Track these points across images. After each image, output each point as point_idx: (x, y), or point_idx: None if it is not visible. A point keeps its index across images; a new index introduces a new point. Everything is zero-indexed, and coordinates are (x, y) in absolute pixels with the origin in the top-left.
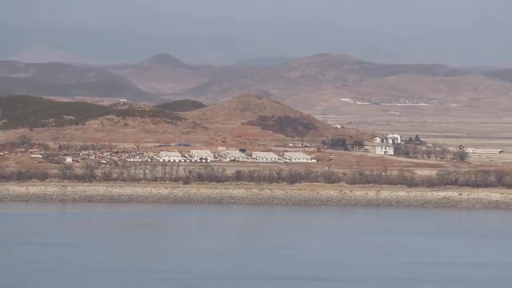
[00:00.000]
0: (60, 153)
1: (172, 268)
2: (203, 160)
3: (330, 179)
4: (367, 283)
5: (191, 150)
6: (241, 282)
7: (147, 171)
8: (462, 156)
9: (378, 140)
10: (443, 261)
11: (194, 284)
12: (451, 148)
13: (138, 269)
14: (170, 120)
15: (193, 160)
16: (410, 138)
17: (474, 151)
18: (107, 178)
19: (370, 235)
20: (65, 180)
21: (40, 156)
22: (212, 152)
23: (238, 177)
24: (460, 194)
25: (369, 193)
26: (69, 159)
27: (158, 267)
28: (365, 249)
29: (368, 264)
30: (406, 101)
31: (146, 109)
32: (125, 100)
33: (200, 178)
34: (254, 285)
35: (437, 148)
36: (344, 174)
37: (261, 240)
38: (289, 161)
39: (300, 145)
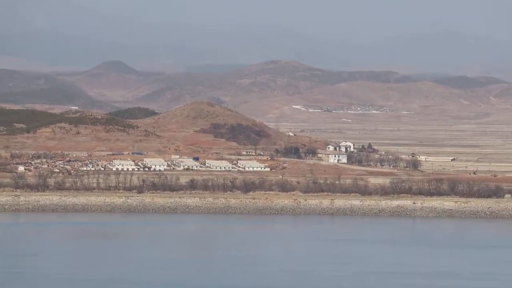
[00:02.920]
0: (12, 161)
1: (132, 278)
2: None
3: (284, 187)
4: None
5: (144, 159)
6: None
7: (100, 180)
8: (415, 164)
9: (331, 148)
10: (402, 270)
11: None
12: (403, 156)
13: (97, 278)
14: (122, 128)
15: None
16: (363, 146)
17: (427, 159)
18: (60, 187)
19: (327, 244)
20: (17, 190)
21: None
22: (165, 161)
23: (192, 186)
24: (414, 203)
25: (324, 202)
26: (21, 168)
27: (117, 276)
28: (323, 258)
29: (328, 273)
30: (358, 108)
31: (98, 117)
32: (76, 107)
33: (154, 187)
34: None
35: (390, 156)
36: (298, 182)
37: (219, 250)
38: (242, 169)
39: (253, 153)
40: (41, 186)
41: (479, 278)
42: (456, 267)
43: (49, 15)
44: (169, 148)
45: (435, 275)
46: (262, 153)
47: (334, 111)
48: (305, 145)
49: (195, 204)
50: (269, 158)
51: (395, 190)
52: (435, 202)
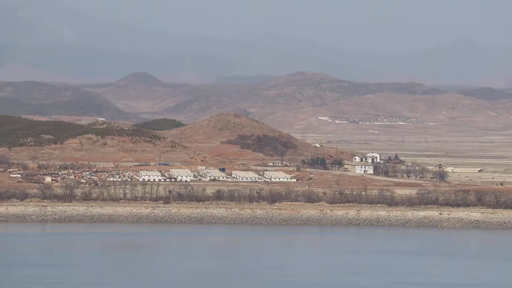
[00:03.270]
0: (39, 172)
1: None
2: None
3: (311, 198)
4: None
5: (170, 170)
6: None
7: (127, 191)
8: (441, 175)
9: (357, 159)
10: (428, 281)
11: None
12: (430, 167)
13: None
14: (149, 139)
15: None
16: (389, 157)
17: (453, 170)
18: (86, 197)
19: (353, 255)
20: (44, 200)
21: (19, 176)
22: (192, 171)
23: (218, 196)
24: (441, 214)
25: (350, 212)
26: (48, 179)
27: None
28: (349, 269)
29: (353, 284)
30: (385, 119)
31: (125, 128)
32: (103, 119)
33: (180, 198)
34: None
35: (416, 167)
36: (324, 193)
37: (247, 261)
38: (269, 180)
39: (279, 164)
40: (68, 197)
41: None
42: (483, 278)
43: (77, 28)
44: (195, 159)
45: (462, 286)
46: (289, 164)
47: (360, 122)
48: (331, 156)
49: (221, 214)
50: (295, 169)
51: (422, 201)
52: (462, 213)
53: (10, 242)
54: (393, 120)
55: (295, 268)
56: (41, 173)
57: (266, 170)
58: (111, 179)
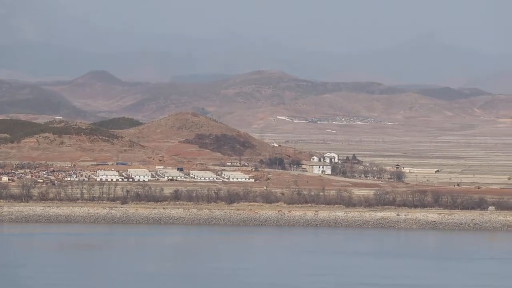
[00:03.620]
0: None
1: None
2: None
3: (269, 199)
4: None
5: (128, 169)
6: None
7: (84, 191)
8: (399, 176)
9: (315, 159)
10: (385, 282)
11: None
12: (388, 168)
13: None
14: (106, 138)
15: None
16: (347, 157)
17: (411, 171)
18: (44, 197)
19: (310, 256)
20: (1, 200)
21: None
22: (149, 171)
23: (176, 196)
24: (398, 215)
25: (308, 213)
26: (4, 178)
27: None
28: (306, 270)
29: (310, 285)
30: (343, 119)
31: (83, 127)
32: (60, 117)
33: (138, 198)
34: None
35: (374, 168)
36: (282, 194)
37: (202, 262)
38: (227, 180)
39: (238, 164)
40: (25, 197)
41: None
42: (439, 279)
43: (35, 26)
44: (153, 159)
45: (420, 287)
46: (247, 164)
47: (318, 122)
48: (289, 156)
49: (179, 215)
50: (253, 169)
51: (379, 202)
52: (419, 214)
53: None
54: (351, 119)
55: (253, 269)
56: None
57: (224, 170)
58: (69, 179)
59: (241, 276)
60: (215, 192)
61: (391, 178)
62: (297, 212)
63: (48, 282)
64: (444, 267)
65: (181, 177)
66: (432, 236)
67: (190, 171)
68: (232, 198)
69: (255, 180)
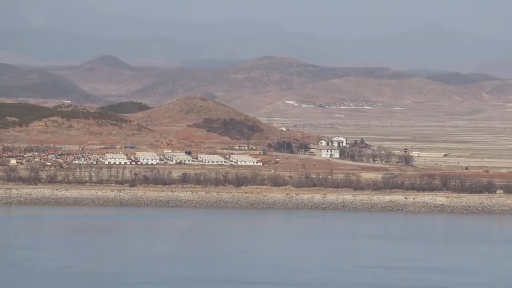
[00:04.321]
0: (4, 155)
1: (126, 271)
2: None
3: (277, 182)
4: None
5: (136, 153)
6: (209, 285)
7: (92, 174)
8: (407, 160)
9: (323, 143)
10: (393, 264)
11: None
12: (396, 152)
13: (92, 272)
14: (115, 122)
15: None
16: (355, 141)
17: (419, 155)
18: (52, 180)
19: (318, 238)
20: (9, 183)
21: None
22: (158, 155)
23: (184, 180)
24: (406, 198)
25: (316, 196)
26: (13, 161)
27: (111, 270)
28: (314, 252)
29: (318, 268)
30: (351, 104)
31: (91, 111)
32: (69, 101)
33: (146, 181)
34: None
35: (382, 152)
36: (290, 177)
37: (210, 244)
38: (235, 164)
39: (246, 148)
40: (33, 179)
41: (470, 273)
42: (447, 262)
43: (45, 11)
44: (161, 142)
45: (427, 269)
46: (255, 148)
47: (327, 106)
48: (297, 140)
49: (187, 198)
50: (261, 153)
51: (387, 185)
52: (427, 197)
53: None
54: (360, 104)
55: (261, 252)
56: (6, 156)
57: (232, 153)
58: (77, 162)
59: (248, 259)
60: (223, 175)
61: (399, 162)
62: (305, 195)
63: (59, 264)
64: (452, 250)
65: (189, 160)
66: (440, 219)
67: (198, 155)
68: (240, 181)
69: (263, 164)
